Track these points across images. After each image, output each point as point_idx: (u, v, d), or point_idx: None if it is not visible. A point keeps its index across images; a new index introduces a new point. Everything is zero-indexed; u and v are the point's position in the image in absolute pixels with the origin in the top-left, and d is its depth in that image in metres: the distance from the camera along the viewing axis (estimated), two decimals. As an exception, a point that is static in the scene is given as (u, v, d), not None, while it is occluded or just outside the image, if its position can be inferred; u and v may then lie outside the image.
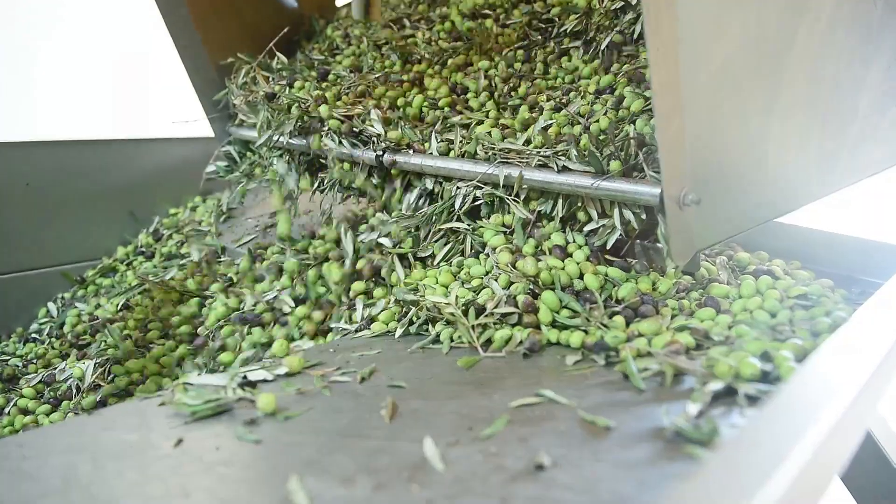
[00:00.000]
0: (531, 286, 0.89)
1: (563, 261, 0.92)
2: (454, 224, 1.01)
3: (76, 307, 1.45)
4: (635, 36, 1.12)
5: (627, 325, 0.82)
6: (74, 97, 1.97)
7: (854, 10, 0.84)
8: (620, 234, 0.90)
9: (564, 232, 0.96)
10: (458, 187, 1.03)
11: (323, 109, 1.23)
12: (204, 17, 1.42)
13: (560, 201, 0.96)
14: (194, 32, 1.44)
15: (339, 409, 0.66)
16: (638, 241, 0.94)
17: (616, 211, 0.89)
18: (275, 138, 1.31)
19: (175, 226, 1.66)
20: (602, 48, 1.13)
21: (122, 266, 1.57)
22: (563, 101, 1.08)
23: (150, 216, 1.71)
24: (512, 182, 0.98)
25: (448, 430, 0.57)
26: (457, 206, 1.01)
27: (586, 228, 0.94)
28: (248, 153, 1.50)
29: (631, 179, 0.86)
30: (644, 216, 0.88)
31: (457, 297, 0.90)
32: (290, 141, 1.28)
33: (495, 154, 1.02)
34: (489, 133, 1.06)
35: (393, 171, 1.15)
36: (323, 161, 1.29)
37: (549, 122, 1.02)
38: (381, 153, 1.16)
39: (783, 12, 0.78)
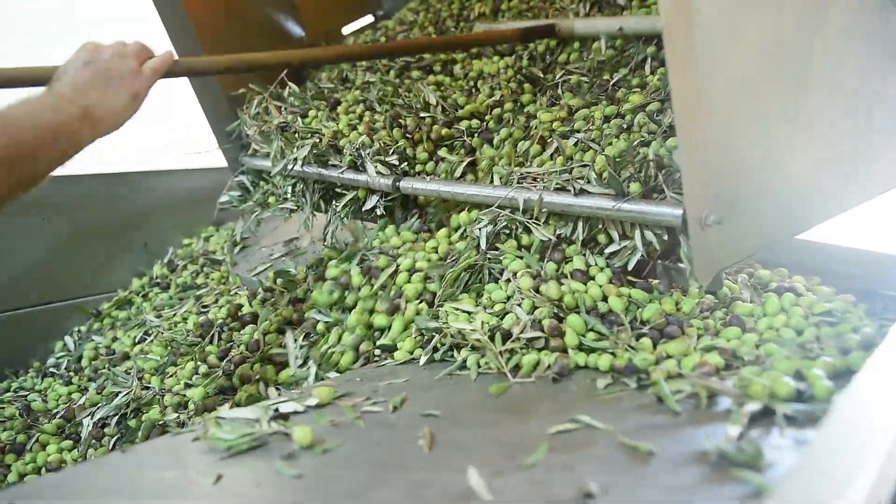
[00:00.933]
0: (555, 310, 0.89)
1: (585, 284, 0.92)
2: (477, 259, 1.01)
3: (93, 340, 1.45)
4: (646, 68, 1.13)
5: (655, 346, 0.82)
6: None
7: (870, 22, 0.84)
8: (642, 255, 0.90)
9: (585, 255, 0.96)
10: (479, 221, 1.03)
11: (353, 135, 1.23)
12: (215, 50, 1.44)
13: (580, 224, 0.96)
14: None
15: (376, 440, 0.65)
16: (659, 261, 0.94)
17: (637, 232, 0.89)
18: (289, 167, 1.31)
19: (189, 256, 1.66)
20: (610, 85, 1.14)
21: (138, 298, 1.57)
22: (571, 128, 1.09)
23: (164, 247, 1.71)
24: (531, 206, 0.98)
25: (490, 459, 0.57)
26: (482, 245, 1.01)
27: (607, 250, 0.94)
28: (262, 182, 1.51)
29: (652, 201, 0.86)
30: (666, 237, 0.88)
31: (482, 322, 0.89)
32: (305, 169, 1.29)
33: (513, 179, 1.02)
34: (506, 159, 1.07)
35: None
36: (339, 189, 1.29)
37: (561, 147, 1.03)
38: (398, 178, 1.17)
39: (800, 18, 0.77)
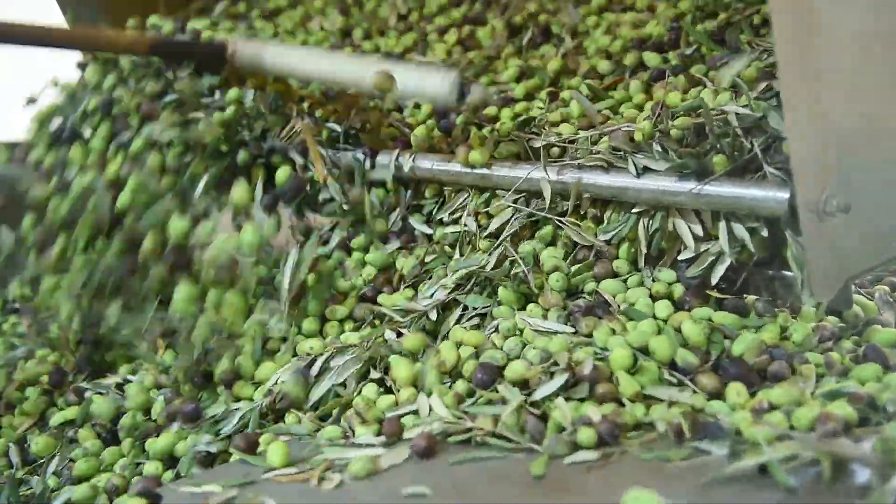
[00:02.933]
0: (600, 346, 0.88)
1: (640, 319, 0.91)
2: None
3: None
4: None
5: (752, 393, 0.80)
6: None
7: None
8: (731, 261, 0.89)
9: (640, 267, 0.96)
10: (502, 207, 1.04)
11: None
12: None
13: (631, 220, 0.97)
14: None
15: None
16: (757, 269, 0.93)
17: (723, 227, 0.89)
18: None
19: None
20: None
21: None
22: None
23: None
24: (565, 191, 0.98)
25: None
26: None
27: (680, 256, 0.94)
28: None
29: (743, 181, 0.86)
30: (765, 232, 0.87)
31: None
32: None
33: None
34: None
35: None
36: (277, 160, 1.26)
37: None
38: (367, 153, 1.17)
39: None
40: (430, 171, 1.12)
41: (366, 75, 1.11)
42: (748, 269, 0.92)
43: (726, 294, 0.92)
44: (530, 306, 0.97)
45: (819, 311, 0.91)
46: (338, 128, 1.20)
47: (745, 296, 0.93)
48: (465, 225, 1.08)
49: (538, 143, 1.04)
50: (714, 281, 0.91)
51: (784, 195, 0.82)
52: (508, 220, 1.04)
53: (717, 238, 0.90)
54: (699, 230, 0.92)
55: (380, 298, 1.09)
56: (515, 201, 1.05)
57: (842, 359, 0.85)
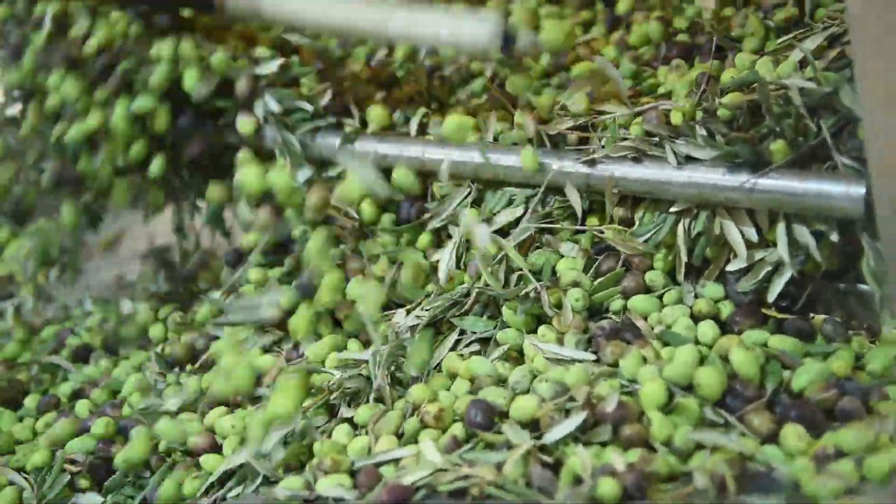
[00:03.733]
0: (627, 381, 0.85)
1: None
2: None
3: None
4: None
5: (816, 437, 0.78)
6: None
7: None
8: (793, 273, 0.87)
9: (680, 280, 0.94)
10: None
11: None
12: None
13: (668, 219, 0.95)
14: None
15: None
16: (826, 282, 0.91)
17: (782, 230, 0.86)
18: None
19: None
20: None
21: None
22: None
23: None
24: (586, 186, 0.97)
25: None
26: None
27: (729, 267, 0.92)
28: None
29: (808, 172, 0.84)
30: (835, 237, 0.85)
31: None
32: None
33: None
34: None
35: None
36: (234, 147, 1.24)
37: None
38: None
39: None
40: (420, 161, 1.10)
41: (388, 23, 1.09)
42: (815, 282, 0.90)
43: (786, 314, 0.91)
44: (542, 329, 0.95)
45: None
46: (308, 106, 1.18)
47: (810, 316, 0.91)
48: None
49: (556, 127, 1.02)
50: (771, 297, 0.89)
51: (860, 190, 0.79)
52: (518, 221, 1.02)
53: (774, 244, 0.88)
54: (753, 234, 0.90)
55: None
56: (528, 199, 1.03)
57: (934, 396, 0.83)
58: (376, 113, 1.16)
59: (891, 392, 0.82)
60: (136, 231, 1.64)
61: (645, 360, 0.85)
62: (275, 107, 1.16)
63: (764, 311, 0.91)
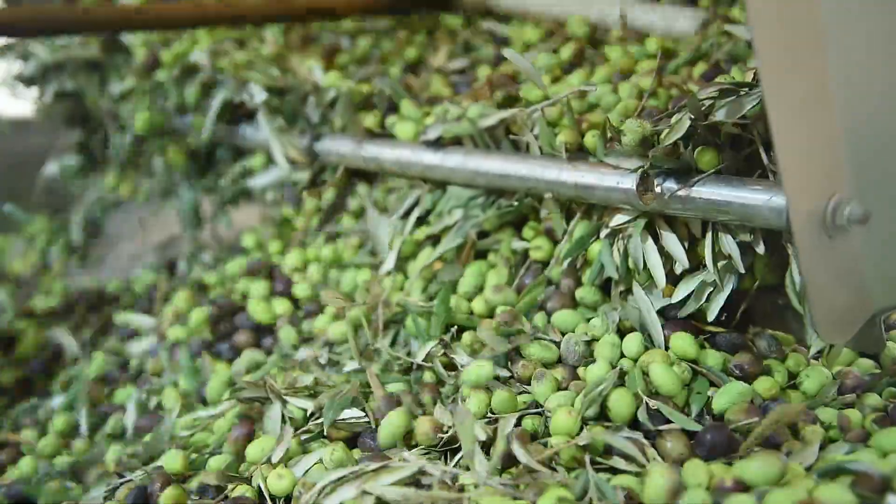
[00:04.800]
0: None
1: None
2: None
3: None
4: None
5: (730, 464, 0.72)
6: None
7: None
8: (731, 287, 0.82)
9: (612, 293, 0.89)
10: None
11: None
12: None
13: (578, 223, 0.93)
14: None
15: None
16: (765, 294, 0.87)
17: (708, 240, 0.82)
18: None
19: None
20: None
21: None
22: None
23: None
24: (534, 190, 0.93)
25: None
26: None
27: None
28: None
29: (733, 181, 0.79)
30: (761, 249, 0.80)
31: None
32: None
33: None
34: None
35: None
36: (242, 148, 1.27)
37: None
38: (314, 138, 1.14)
39: None
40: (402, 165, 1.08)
41: None
42: (752, 296, 0.86)
43: (721, 328, 0.86)
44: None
45: (838, 353, 0.84)
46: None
47: (754, 329, 0.88)
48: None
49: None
50: (711, 316, 0.84)
51: (782, 201, 0.74)
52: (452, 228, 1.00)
53: (700, 255, 0.84)
54: (678, 247, 0.85)
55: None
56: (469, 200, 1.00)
57: (863, 419, 0.78)
58: None
59: (822, 415, 0.78)
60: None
61: (557, 381, 0.82)
62: None
63: (697, 324, 0.86)
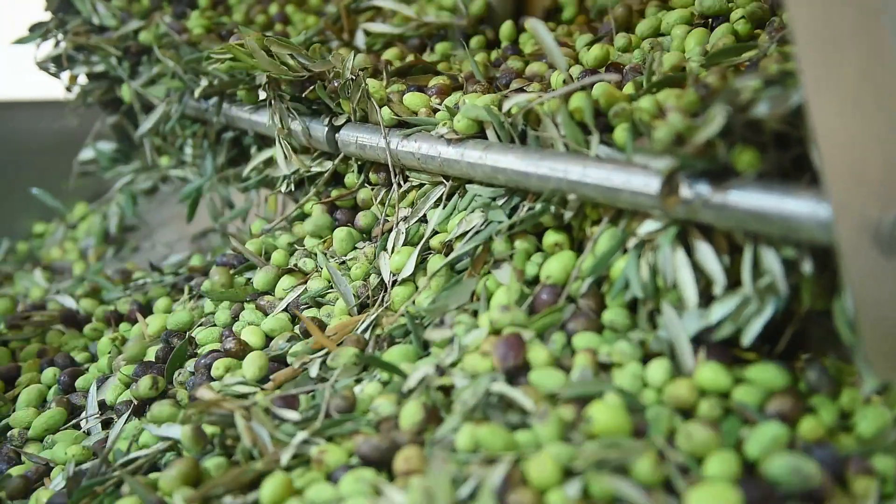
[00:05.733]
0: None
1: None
2: None
3: None
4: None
5: None
6: None
7: None
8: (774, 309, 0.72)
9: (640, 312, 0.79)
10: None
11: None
12: None
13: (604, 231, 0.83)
14: None
15: None
16: (817, 319, 0.76)
17: (747, 256, 0.71)
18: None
19: (30, 259, 1.64)
20: None
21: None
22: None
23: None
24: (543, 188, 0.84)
25: None
26: None
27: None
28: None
29: (774, 187, 0.68)
30: (809, 268, 0.70)
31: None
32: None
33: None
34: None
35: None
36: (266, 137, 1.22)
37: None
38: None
39: None
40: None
41: None
42: (799, 318, 0.75)
43: (763, 356, 0.77)
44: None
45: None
46: None
47: (802, 358, 0.77)
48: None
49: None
50: (747, 340, 0.73)
51: (827, 211, 0.64)
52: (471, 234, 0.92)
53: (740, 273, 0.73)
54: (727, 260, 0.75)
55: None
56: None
57: (929, 476, 0.69)
58: None
59: (879, 464, 0.68)
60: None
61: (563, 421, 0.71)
62: None
63: (737, 352, 0.75)
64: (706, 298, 0.74)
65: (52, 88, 1.58)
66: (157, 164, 1.44)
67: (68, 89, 1.48)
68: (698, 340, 0.75)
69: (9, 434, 1.00)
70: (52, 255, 1.62)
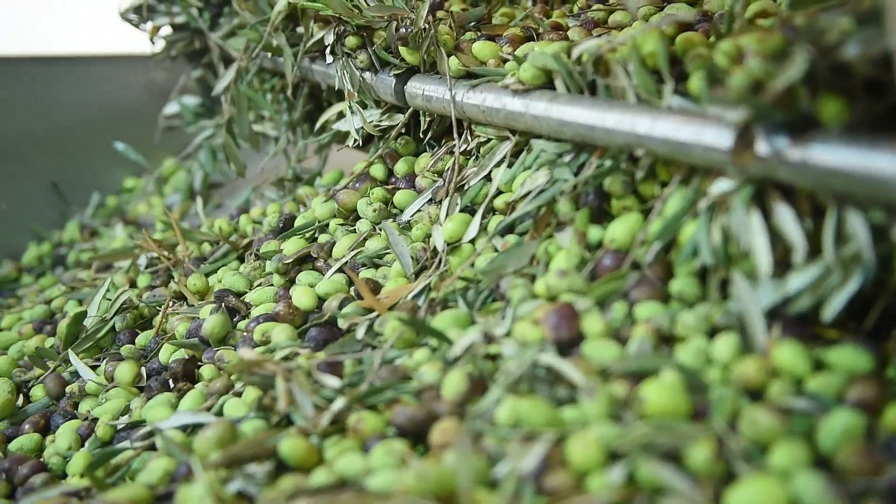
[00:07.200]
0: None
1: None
2: None
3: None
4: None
5: None
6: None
7: None
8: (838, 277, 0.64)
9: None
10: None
11: None
12: None
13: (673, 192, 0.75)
14: None
15: None
16: None
17: (830, 220, 0.63)
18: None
19: (118, 212, 1.65)
20: None
21: (30, 278, 1.52)
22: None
23: (87, 191, 1.71)
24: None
25: None
26: None
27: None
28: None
29: (861, 140, 0.60)
30: None
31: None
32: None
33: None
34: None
35: None
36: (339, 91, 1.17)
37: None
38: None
39: None
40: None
41: None
42: (890, 292, 0.67)
43: (849, 334, 0.68)
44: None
45: None
46: None
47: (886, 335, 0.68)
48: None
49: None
50: (829, 313, 0.65)
51: None
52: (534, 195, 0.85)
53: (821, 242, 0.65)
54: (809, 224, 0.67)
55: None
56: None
57: None
58: None
59: None
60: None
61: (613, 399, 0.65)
62: None
63: (817, 329, 0.67)
64: (783, 268, 0.66)
65: (141, 42, 1.57)
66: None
67: (151, 41, 1.46)
68: (773, 314, 0.67)
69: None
70: (139, 210, 1.62)
